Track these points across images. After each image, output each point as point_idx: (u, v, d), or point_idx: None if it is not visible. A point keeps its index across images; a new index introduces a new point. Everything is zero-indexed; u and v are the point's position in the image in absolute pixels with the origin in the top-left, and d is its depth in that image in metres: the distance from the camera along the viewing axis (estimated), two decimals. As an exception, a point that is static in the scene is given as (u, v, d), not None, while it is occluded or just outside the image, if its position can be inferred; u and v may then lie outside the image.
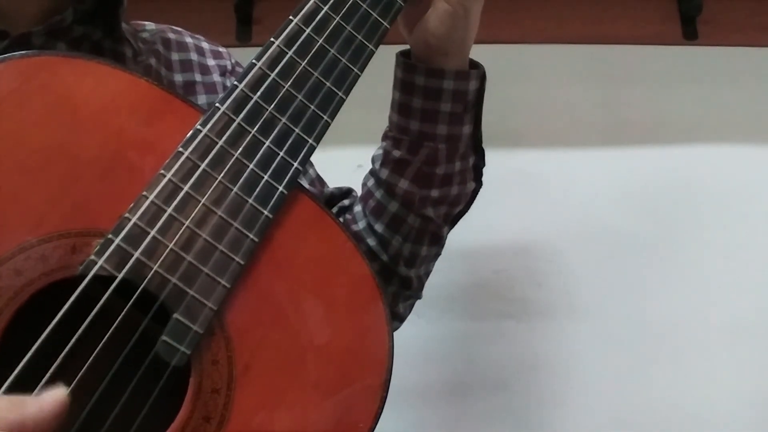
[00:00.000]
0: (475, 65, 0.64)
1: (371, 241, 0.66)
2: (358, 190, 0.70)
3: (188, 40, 0.70)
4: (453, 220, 0.69)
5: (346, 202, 0.72)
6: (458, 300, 1.10)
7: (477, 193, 0.69)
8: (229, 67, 0.71)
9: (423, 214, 0.65)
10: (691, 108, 1.20)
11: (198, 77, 0.68)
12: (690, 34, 1.23)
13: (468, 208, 0.70)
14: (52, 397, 0.36)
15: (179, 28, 0.71)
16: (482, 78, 0.64)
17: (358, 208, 0.68)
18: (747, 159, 1.18)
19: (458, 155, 0.64)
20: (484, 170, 0.68)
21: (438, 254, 0.70)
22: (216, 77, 0.69)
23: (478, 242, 1.10)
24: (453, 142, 0.63)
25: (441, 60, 0.61)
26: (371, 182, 0.67)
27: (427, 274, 0.71)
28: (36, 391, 0.39)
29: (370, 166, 0.68)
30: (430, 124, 0.62)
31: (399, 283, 0.68)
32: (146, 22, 0.69)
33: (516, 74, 1.19)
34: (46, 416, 0.35)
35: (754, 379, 1.08)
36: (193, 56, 0.69)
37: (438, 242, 0.69)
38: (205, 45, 0.71)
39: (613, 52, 1.22)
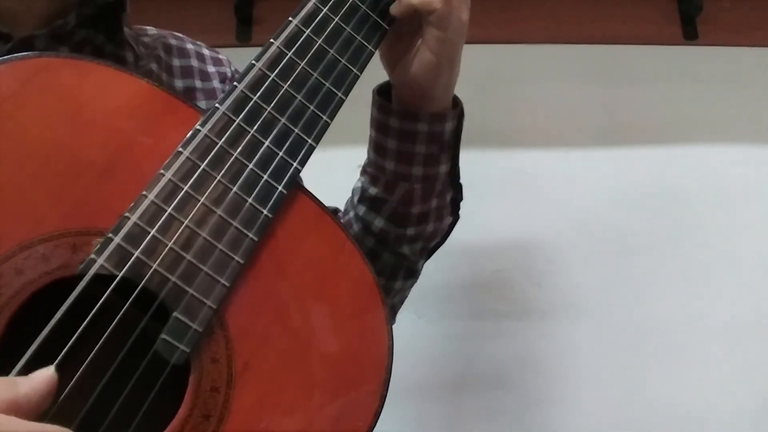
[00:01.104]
0: (455, 102, 0.62)
1: None
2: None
3: (189, 46, 0.70)
4: (429, 253, 0.69)
5: None
6: (458, 300, 1.11)
7: (454, 226, 0.69)
8: (229, 75, 0.71)
9: (398, 251, 0.65)
10: (691, 108, 1.20)
11: (198, 83, 0.68)
12: (690, 34, 1.23)
13: (444, 241, 0.69)
14: (41, 375, 0.38)
15: (180, 34, 0.72)
16: (460, 116, 0.62)
17: None
18: (747, 159, 1.18)
19: (435, 194, 0.64)
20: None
21: (413, 284, 0.70)
22: (216, 84, 0.69)
23: (478, 242, 1.10)
24: (429, 182, 0.63)
25: (423, 103, 0.60)
26: (351, 214, 0.67)
27: (402, 301, 0.71)
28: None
29: None
30: (406, 165, 0.62)
31: None
32: (148, 27, 0.70)
33: (516, 74, 1.19)
34: (37, 394, 0.37)
35: (754, 379, 1.08)
36: (194, 63, 0.69)
37: (413, 275, 0.69)
38: (206, 52, 0.72)
39: (613, 52, 1.22)
